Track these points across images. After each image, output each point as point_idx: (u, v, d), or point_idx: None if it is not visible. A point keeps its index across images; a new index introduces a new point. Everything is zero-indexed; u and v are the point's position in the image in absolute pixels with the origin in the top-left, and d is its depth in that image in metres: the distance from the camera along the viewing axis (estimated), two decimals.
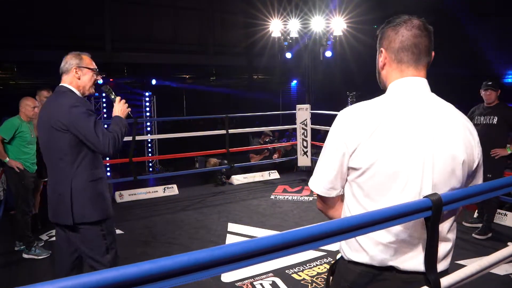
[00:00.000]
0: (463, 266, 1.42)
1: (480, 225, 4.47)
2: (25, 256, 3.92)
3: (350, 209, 1.31)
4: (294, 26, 8.31)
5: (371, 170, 1.23)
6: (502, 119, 4.14)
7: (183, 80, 13.72)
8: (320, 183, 1.34)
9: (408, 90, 1.28)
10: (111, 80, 10.53)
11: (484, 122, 4.24)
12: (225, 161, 7.07)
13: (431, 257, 1.23)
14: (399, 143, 1.21)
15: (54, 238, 4.17)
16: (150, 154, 10.49)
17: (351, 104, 9.19)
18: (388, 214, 1.13)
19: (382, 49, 1.35)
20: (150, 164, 10.47)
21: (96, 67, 2.44)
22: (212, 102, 13.05)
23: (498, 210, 4.84)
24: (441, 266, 1.29)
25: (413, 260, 1.26)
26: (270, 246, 0.96)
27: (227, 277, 3.40)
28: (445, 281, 1.26)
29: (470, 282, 1.33)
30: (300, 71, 9.88)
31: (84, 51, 2.47)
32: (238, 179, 7.12)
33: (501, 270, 3.43)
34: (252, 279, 3.41)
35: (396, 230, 1.25)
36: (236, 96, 13.31)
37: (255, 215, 5.14)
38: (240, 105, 12.16)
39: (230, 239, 4.42)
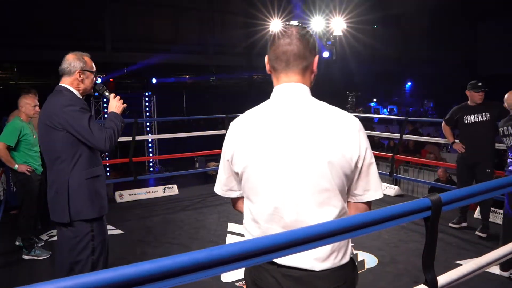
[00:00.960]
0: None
1: (465, 224, 4.55)
2: (24, 257, 3.91)
3: (244, 207, 1.44)
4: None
5: (245, 174, 1.35)
6: (495, 115, 4.19)
7: (183, 80, 13.73)
8: (218, 186, 1.50)
9: (280, 98, 1.36)
10: (111, 80, 10.53)
11: (477, 120, 4.29)
12: None
13: (429, 256, 1.24)
14: (265, 148, 1.30)
15: (54, 238, 4.18)
16: (150, 154, 10.50)
17: (351, 104, 9.20)
18: (388, 214, 1.13)
19: (266, 56, 1.42)
20: (150, 164, 10.49)
21: (95, 69, 2.45)
22: (212, 102, 13.06)
23: (497, 210, 4.84)
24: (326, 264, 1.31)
25: (291, 256, 1.24)
26: (270, 246, 0.96)
27: (227, 277, 3.40)
28: (442, 279, 1.26)
29: (470, 282, 1.33)
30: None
31: (84, 51, 2.46)
32: None
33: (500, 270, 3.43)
34: None
35: (264, 227, 1.34)
36: (236, 96, 13.32)
37: None
38: (240, 105, 12.15)
39: (230, 239, 4.42)
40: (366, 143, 1.31)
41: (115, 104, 2.45)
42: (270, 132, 1.30)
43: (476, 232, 4.36)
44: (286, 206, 1.29)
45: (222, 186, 1.49)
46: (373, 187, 1.34)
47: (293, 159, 1.27)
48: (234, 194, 1.49)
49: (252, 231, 1.39)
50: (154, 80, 11.45)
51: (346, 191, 1.34)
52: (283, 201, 1.29)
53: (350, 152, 1.28)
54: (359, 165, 1.30)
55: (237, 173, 1.39)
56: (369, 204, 1.38)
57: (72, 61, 2.35)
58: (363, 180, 1.33)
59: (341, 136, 1.27)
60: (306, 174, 1.26)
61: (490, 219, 4.80)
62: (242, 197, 1.47)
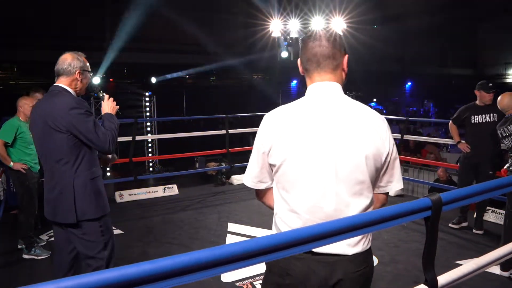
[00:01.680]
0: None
1: (466, 224, 4.55)
2: (25, 256, 3.91)
3: (275, 198, 1.51)
4: (294, 26, 8.31)
5: (283, 166, 1.41)
6: (502, 115, 4.19)
7: (183, 80, 13.73)
8: (249, 178, 1.55)
9: (316, 95, 1.45)
10: (111, 80, 10.53)
11: (484, 121, 4.27)
12: (222, 163, 7.07)
13: (429, 256, 1.24)
14: (305, 142, 1.37)
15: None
16: (150, 154, 10.49)
17: None
18: (388, 214, 1.13)
19: (298, 59, 1.53)
20: (150, 164, 10.48)
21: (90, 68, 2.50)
22: (212, 102, 13.06)
23: (497, 210, 4.84)
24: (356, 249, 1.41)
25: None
26: (270, 246, 0.96)
27: (227, 277, 3.40)
28: (442, 279, 1.26)
29: (470, 282, 1.33)
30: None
31: (84, 51, 2.48)
32: (238, 179, 7.11)
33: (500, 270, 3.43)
34: (252, 279, 3.41)
35: (305, 218, 1.40)
36: (236, 96, 13.31)
37: (255, 215, 5.14)
38: (240, 105, 12.16)
39: (230, 239, 4.42)
40: (393, 139, 1.45)
41: (110, 105, 2.51)
42: (308, 127, 1.38)
43: (474, 231, 4.42)
44: (326, 197, 1.37)
45: (254, 178, 1.53)
46: (396, 179, 1.48)
47: (332, 152, 1.36)
48: (263, 186, 1.54)
49: (290, 222, 1.44)
50: (154, 80, 11.44)
51: (375, 184, 1.46)
52: (323, 193, 1.37)
53: (383, 147, 1.40)
54: (388, 160, 1.43)
55: (273, 165, 1.44)
56: (387, 194, 1.53)
57: (71, 61, 2.36)
58: (389, 173, 1.46)
59: (376, 132, 1.38)
60: (345, 166, 1.36)
61: (490, 220, 4.82)
62: (269, 189, 1.55)
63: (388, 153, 1.41)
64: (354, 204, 1.39)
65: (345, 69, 1.50)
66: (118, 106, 2.56)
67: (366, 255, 1.44)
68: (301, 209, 1.41)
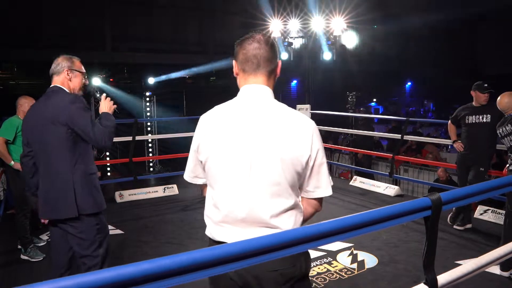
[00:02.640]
0: None
1: (470, 225, 4.56)
2: (22, 257, 3.91)
3: (206, 193, 1.58)
4: (294, 26, 8.31)
5: (207, 164, 1.49)
6: (496, 117, 4.22)
7: (183, 80, 13.72)
8: (186, 173, 1.64)
9: (246, 97, 1.50)
10: (111, 80, 10.53)
11: (477, 121, 4.32)
12: None
13: (429, 256, 1.24)
14: (225, 141, 1.44)
15: None
16: (150, 154, 10.50)
17: (351, 104, 9.19)
18: (388, 214, 1.13)
19: (234, 61, 1.57)
20: (150, 164, 10.49)
21: (85, 71, 2.56)
22: (212, 102, 13.05)
23: (497, 210, 4.85)
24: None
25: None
26: (269, 246, 0.96)
27: None
28: (442, 279, 1.26)
29: (470, 282, 1.33)
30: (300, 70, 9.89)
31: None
32: None
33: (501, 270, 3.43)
34: None
35: (224, 214, 1.46)
36: (236, 96, 13.29)
37: None
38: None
39: None
40: (318, 145, 1.45)
41: (107, 105, 2.55)
42: (233, 127, 1.45)
43: (455, 226, 4.52)
44: (242, 195, 1.43)
45: (190, 173, 1.63)
46: (324, 185, 1.49)
47: (250, 153, 1.41)
48: (200, 181, 1.62)
49: (212, 216, 1.51)
50: (154, 80, 11.44)
51: (298, 186, 1.47)
52: (239, 190, 1.43)
53: (302, 152, 1.41)
54: (310, 164, 1.44)
55: (201, 162, 1.53)
56: (320, 200, 1.54)
57: (60, 61, 2.47)
58: (314, 178, 1.47)
59: (295, 137, 1.41)
60: (260, 167, 1.41)
61: (490, 220, 4.82)
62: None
63: (309, 158, 1.43)
64: (271, 205, 1.42)
65: (278, 74, 1.56)
66: (115, 106, 2.61)
67: (293, 255, 1.31)
68: (221, 205, 1.47)
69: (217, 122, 1.49)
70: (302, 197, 1.52)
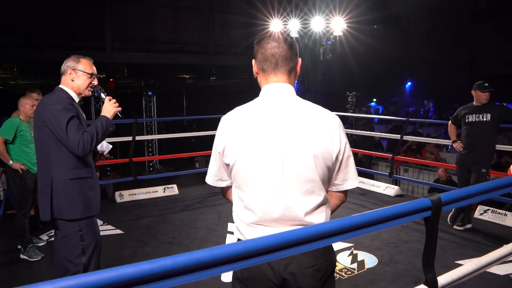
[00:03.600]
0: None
1: (470, 225, 4.56)
2: (21, 256, 3.91)
3: (233, 196, 1.57)
4: (294, 26, 8.30)
5: (236, 166, 1.46)
6: (496, 116, 4.23)
7: (183, 80, 13.72)
8: (209, 176, 1.61)
9: (270, 96, 1.49)
10: (111, 80, 10.53)
11: (478, 120, 4.34)
12: None
13: (429, 256, 1.24)
14: (255, 142, 1.42)
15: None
16: (150, 154, 10.50)
17: (351, 104, 9.19)
18: (388, 214, 1.13)
19: (253, 60, 1.55)
20: (150, 164, 10.49)
21: (93, 72, 2.46)
22: (212, 102, 13.06)
23: (497, 210, 4.85)
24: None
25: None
26: (269, 246, 0.96)
27: (227, 277, 3.40)
28: (442, 279, 1.26)
29: (470, 282, 1.33)
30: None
31: (84, 51, 2.51)
32: None
33: (501, 270, 3.43)
34: None
35: (259, 215, 1.45)
36: (236, 96, 13.31)
37: None
38: (240, 105, 12.13)
39: (230, 239, 4.42)
40: (345, 138, 1.47)
41: (109, 108, 2.45)
42: (261, 127, 1.43)
43: (455, 227, 4.51)
44: (275, 195, 1.42)
45: (213, 177, 1.59)
46: (351, 177, 1.50)
47: (282, 152, 1.40)
48: (223, 184, 1.60)
49: (245, 219, 1.49)
50: (154, 80, 11.45)
51: (327, 181, 1.48)
52: (272, 191, 1.42)
53: (332, 146, 1.42)
54: (340, 158, 1.45)
55: (228, 165, 1.50)
56: (345, 192, 1.55)
57: (66, 61, 2.44)
58: (343, 172, 1.48)
59: (324, 132, 1.41)
60: (293, 165, 1.40)
61: (490, 220, 4.82)
62: (231, 187, 1.60)
63: (339, 152, 1.44)
64: (305, 202, 1.42)
65: (298, 72, 1.55)
66: (120, 108, 2.48)
67: (324, 249, 1.44)
68: (255, 206, 1.45)
69: (243, 123, 1.46)
70: (329, 191, 1.52)
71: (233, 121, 1.49)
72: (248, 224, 1.48)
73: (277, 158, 1.40)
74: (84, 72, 2.44)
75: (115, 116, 2.48)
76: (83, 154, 2.29)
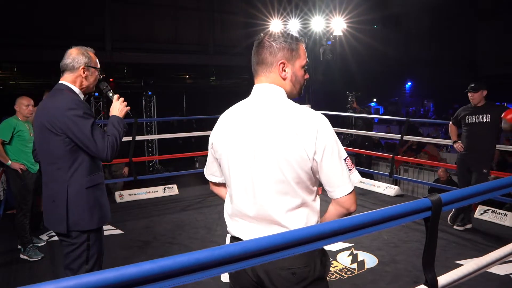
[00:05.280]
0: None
1: (470, 225, 4.57)
2: (21, 256, 3.91)
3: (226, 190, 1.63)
4: (294, 26, 8.30)
5: (221, 162, 1.55)
6: (495, 116, 4.22)
7: (183, 80, 13.71)
8: (205, 170, 1.71)
9: (252, 96, 1.53)
10: (111, 80, 10.52)
11: (477, 121, 4.34)
12: None
13: (429, 256, 1.24)
14: (233, 141, 1.48)
15: (55, 238, 4.18)
16: (150, 154, 10.49)
17: (351, 103, 9.19)
18: (388, 214, 1.13)
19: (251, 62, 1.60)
20: (150, 164, 10.48)
21: (99, 65, 2.29)
22: (212, 102, 13.05)
23: (497, 210, 4.85)
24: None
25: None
26: (269, 247, 0.96)
27: (227, 277, 3.40)
28: (442, 279, 1.26)
29: (470, 282, 1.33)
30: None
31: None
32: None
33: (501, 270, 3.43)
34: None
35: (237, 210, 1.51)
36: (236, 96, 13.28)
37: None
38: None
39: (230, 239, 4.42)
40: (324, 141, 1.38)
41: (118, 107, 2.27)
42: (242, 126, 1.48)
43: (455, 227, 4.52)
44: (248, 193, 1.46)
45: (207, 170, 1.69)
46: (339, 183, 1.40)
47: (253, 152, 1.44)
48: (215, 179, 1.68)
49: (229, 211, 1.58)
50: (153, 80, 11.44)
51: (308, 185, 1.43)
52: (245, 189, 1.47)
53: (304, 150, 1.38)
54: (318, 162, 1.39)
55: (217, 160, 1.58)
56: (343, 198, 1.42)
57: (76, 56, 2.19)
58: (326, 176, 1.40)
59: (297, 135, 1.38)
60: (262, 166, 1.42)
61: (491, 220, 4.82)
62: (221, 184, 1.67)
63: (315, 155, 1.37)
64: (278, 203, 1.42)
65: (287, 72, 1.50)
66: (129, 107, 2.32)
67: (305, 254, 1.30)
68: (235, 202, 1.51)
69: (230, 120, 1.53)
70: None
71: (223, 118, 1.57)
72: (230, 216, 1.57)
73: (249, 157, 1.44)
74: (95, 68, 2.24)
75: (126, 116, 2.32)
76: (111, 159, 2.17)
